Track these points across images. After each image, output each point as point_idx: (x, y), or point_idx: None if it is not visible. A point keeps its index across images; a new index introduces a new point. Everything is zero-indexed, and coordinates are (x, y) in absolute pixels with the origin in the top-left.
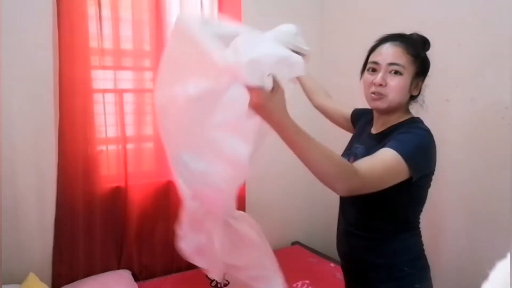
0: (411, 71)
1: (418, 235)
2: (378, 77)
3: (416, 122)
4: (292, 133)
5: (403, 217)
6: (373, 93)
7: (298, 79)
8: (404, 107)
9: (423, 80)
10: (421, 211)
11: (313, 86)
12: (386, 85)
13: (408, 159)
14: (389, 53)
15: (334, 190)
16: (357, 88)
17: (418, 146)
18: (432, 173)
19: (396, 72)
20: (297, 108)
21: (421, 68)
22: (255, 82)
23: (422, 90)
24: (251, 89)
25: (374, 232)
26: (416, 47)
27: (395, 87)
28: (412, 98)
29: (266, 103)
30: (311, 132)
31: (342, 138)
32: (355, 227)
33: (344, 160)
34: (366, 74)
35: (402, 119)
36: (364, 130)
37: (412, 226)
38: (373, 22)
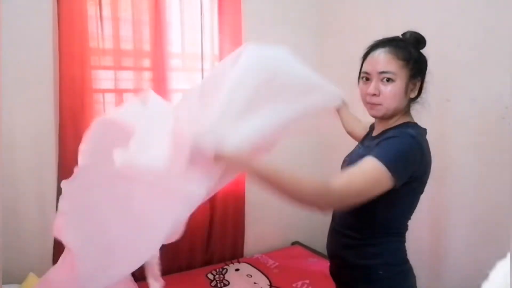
0: (404, 76)
1: (401, 241)
2: (371, 87)
3: (406, 127)
4: (259, 172)
5: (384, 223)
6: (368, 103)
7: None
8: (402, 110)
9: (421, 80)
10: (409, 218)
11: (349, 117)
12: (379, 94)
13: (390, 167)
14: (379, 61)
15: (315, 210)
16: (355, 94)
17: (400, 153)
18: (420, 180)
19: (389, 80)
20: None
21: (416, 69)
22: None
23: (423, 90)
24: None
25: (356, 232)
26: (407, 50)
27: (389, 94)
28: (413, 99)
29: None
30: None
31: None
32: (340, 225)
33: (316, 181)
34: (360, 83)
35: (398, 123)
36: (368, 134)
37: (393, 232)
38: (372, 26)
